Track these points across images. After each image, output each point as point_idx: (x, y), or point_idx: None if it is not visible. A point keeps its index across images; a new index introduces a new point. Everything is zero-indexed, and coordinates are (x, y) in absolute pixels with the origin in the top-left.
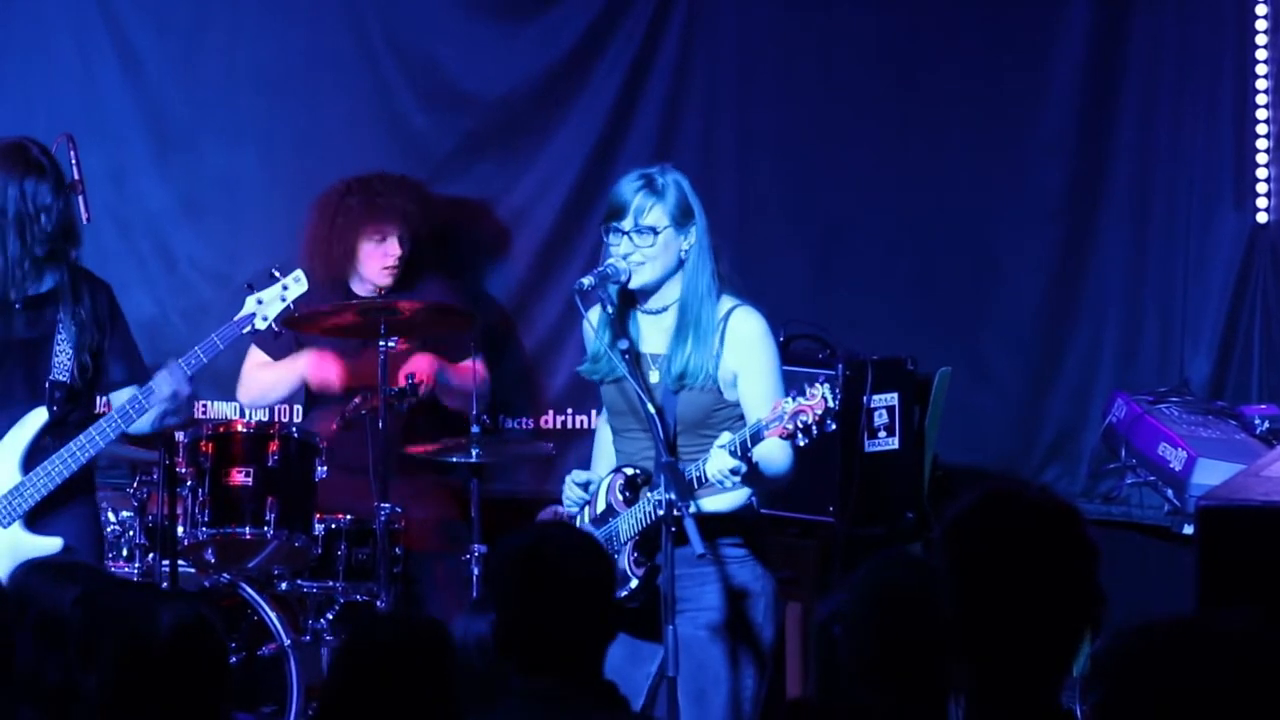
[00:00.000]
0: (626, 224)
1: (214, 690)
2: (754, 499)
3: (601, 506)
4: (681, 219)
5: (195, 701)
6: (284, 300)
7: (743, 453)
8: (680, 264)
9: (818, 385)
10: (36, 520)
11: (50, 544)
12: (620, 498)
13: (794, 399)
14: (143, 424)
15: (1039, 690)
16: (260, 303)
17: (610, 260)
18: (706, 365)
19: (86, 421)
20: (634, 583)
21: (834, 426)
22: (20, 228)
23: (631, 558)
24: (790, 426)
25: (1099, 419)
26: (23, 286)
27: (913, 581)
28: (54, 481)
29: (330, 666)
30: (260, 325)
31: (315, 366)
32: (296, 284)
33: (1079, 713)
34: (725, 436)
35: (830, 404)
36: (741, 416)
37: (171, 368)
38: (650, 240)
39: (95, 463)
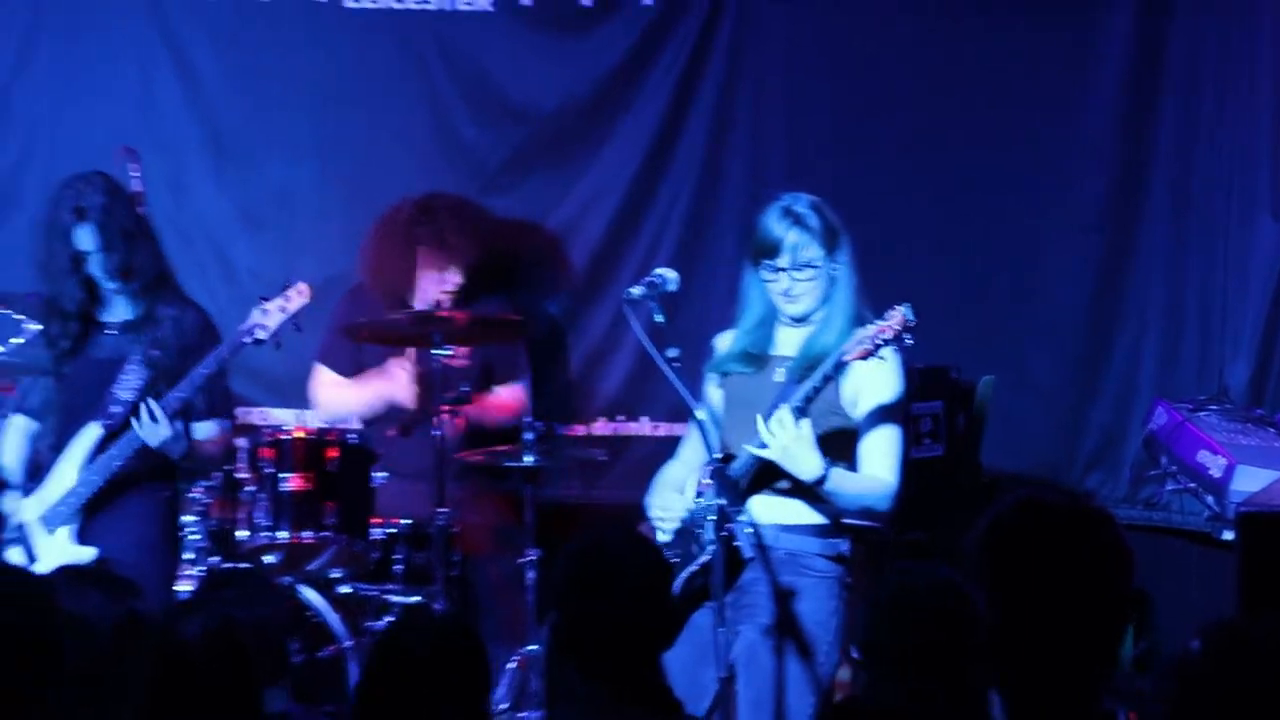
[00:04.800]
0: (783, 262)
1: (243, 695)
2: (840, 518)
3: (690, 494)
4: (830, 243)
5: (226, 706)
6: (284, 312)
7: (811, 398)
8: (831, 284)
9: (897, 307)
10: (101, 524)
11: (85, 553)
12: (706, 482)
13: (873, 322)
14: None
15: (1078, 691)
16: (265, 313)
17: (657, 270)
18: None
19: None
20: (706, 556)
21: (911, 341)
22: (63, 277)
23: (712, 530)
24: (869, 346)
25: (1140, 426)
26: (112, 310)
27: (928, 590)
28: (96, 484)
29: (364, 664)
30: (262, 335)
31: (388, 382)
32: (299, 296)
33: (1122, 715)
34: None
35: (909, 319)
36: (850, 435)
37: (148, 404)
38: (809, 274)
39: (174, 473)
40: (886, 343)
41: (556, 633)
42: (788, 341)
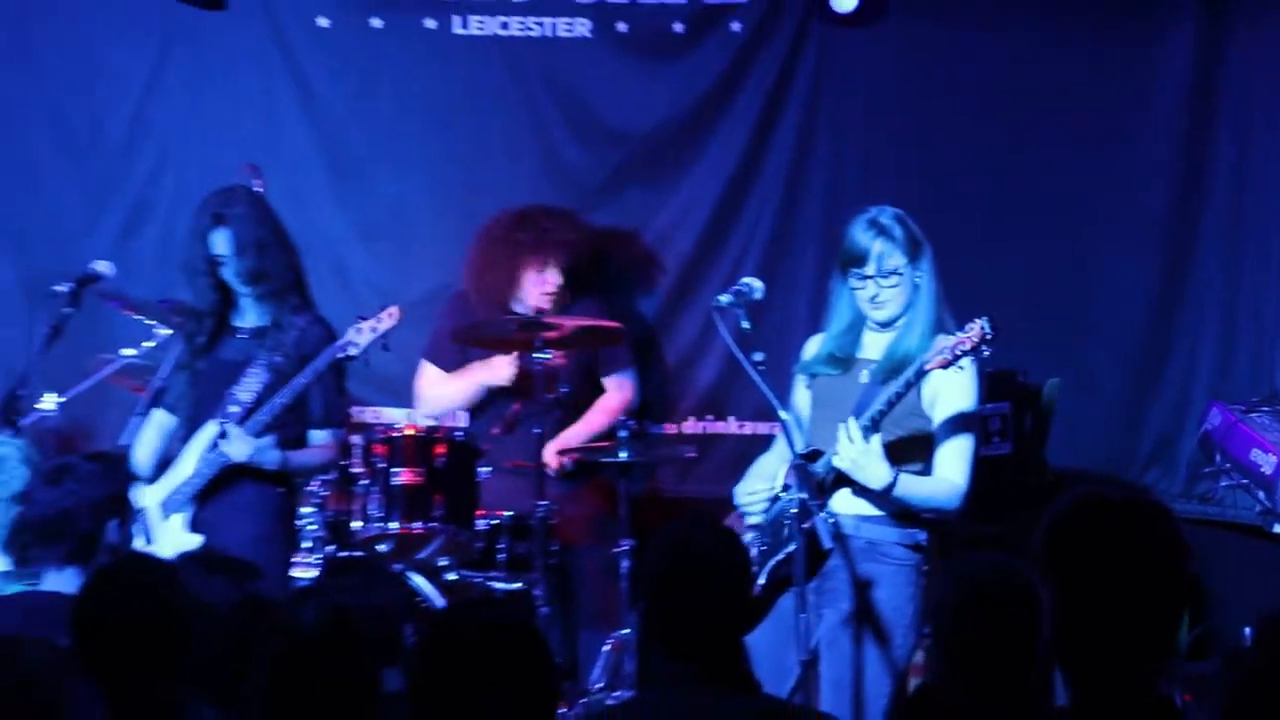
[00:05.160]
0: (869, 270)
1: (358, 679)
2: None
3: (779, 486)
4: (913, 252)
5: (344, 687)
6: (375, 332)
7: (866, 430)
8: (914, 291)
9: (976, 320)
10: (211, 516)
11: (194, 540)
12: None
13: (953, 332)
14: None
15: (1138, 676)
16: (358, 332)
17: (744, 279)
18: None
19: (287, 443)
20: (792, 546)
21: (988, 353)
22: (199, 276)
23: (798, 522)
24: (948, 356)
25: (1196, 427)
26: (244, 316)
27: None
28: (207, 476)
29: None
30: (353, 352)
31: (487, 367)
32: (389, 318)
33: (1179, 699)
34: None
35: (987, 333)
36: (929, 438)
37: (220, 423)
38: (894, 281)
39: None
40: (965, 354)
41: (645, 620)
42: (873, 345)
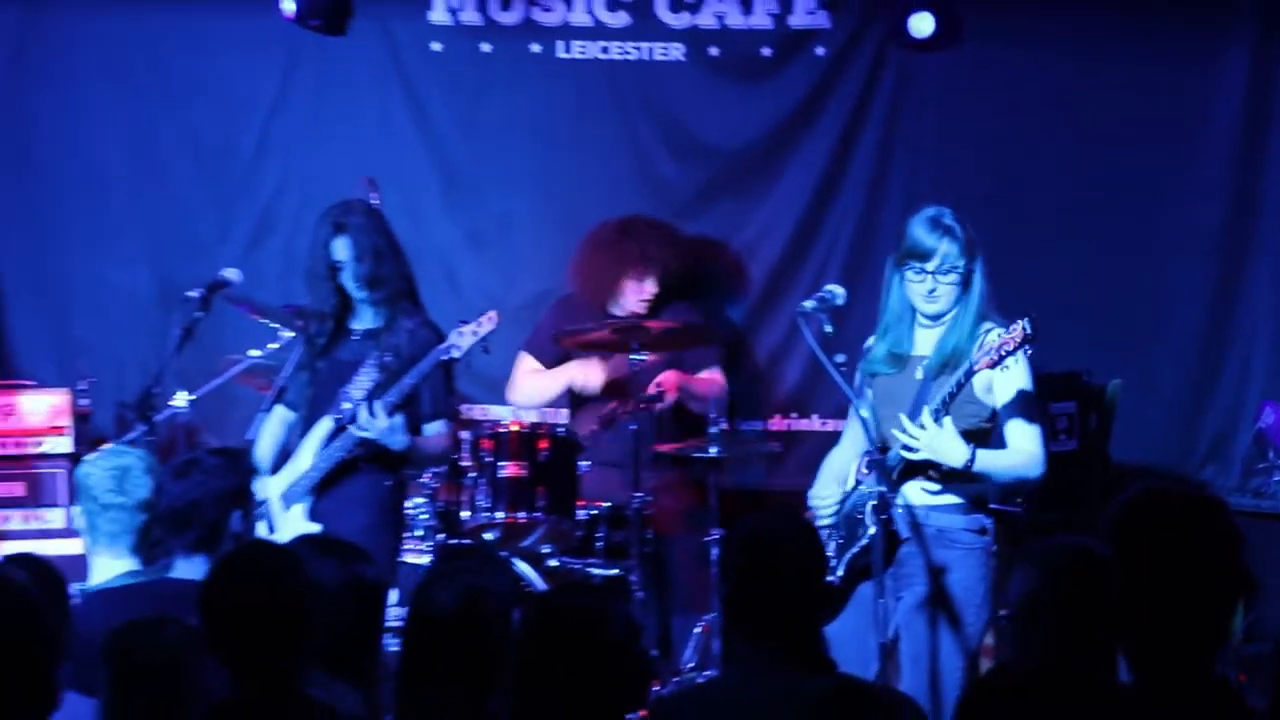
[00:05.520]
0: (931, 265)
1: (488, 653)
2: (988, 497)
3: (850, 483)
4: (970, 251)
5: (473, 662)
6: (476, 335)
7: (947, 402)
8: (966, 286)
9: (1019, 321)
10: (328, 506)
11: (314, 529)
12: (866, 471)
13: (999, 334)
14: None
15: (1196, 658)
16: (460, 335)
17: (828, 286)
18: (964, 358)
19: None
20: (871, 529)
21: (1031, 351)
22: (320, 280)
23: (871, 513)
24: (994, 356)
25: (1250, 425)
26: (359, 319)
27: (1073, 559)
28: (323, 469)
29: (520, 628)
30: (456, 354)
31: (579, 368)
32: (488, 322)
33: (1234, 677)
34: (926, 410)
35: (1029, 332)
36: (981, 418)
37: (368, 404)
38: (952, 279)
39: (396, 463)
40: (1010, 353)
41: (726, 607)
42: (924, 341)
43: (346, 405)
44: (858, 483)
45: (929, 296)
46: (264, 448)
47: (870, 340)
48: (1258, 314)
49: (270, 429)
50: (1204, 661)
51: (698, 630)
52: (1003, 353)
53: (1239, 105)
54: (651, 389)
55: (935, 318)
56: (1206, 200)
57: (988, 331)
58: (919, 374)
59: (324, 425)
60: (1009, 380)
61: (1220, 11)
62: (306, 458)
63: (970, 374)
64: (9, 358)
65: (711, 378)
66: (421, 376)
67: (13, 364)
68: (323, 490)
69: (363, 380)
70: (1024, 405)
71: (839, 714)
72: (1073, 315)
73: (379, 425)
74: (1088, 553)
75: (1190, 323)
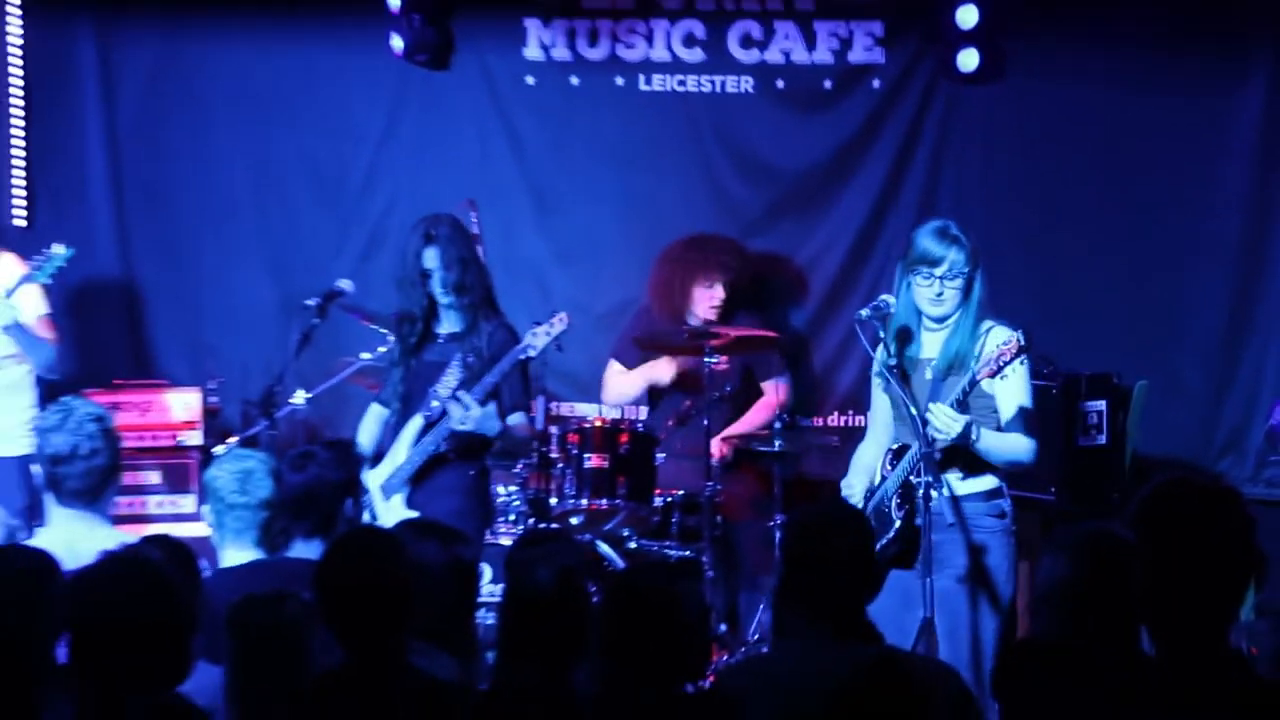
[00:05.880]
0: (939, 270)
1: (578, 627)
2: (1004, 485)
3: (878, 479)
4: (974, 260)
5: (569, 634)
6: (549, 335)
7: (960, 403)
8: (968, 292)
9: (1015, 332)
10: (422, 494)
11: (412, 515)
12: (889, 467)
13: (997, 346)
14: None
15: (1212, 632)
16: (534, 336)
17: (882, 296)
18: (967, 360)
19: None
20: (898, 523)
21: (1027, 361)
22: (414, 286)
23: (896, 505)
24: (995, 366)
25: (1263, 422)
26: (444, 323)
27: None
28: (417, 462)
29: (603, 602)
30: (532, 353)
31: (652, 367)
32: (560, 323)
33: (1246, 649)
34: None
35: (1024, 343)
36: (993, 410)
37: (457, 396)
38: (957, 283)
39: (479, 454)
40: (1008, 363)
41: (783, 588)
42: (930, 344)
43: (435, 403)
44: (883, 477)
45: (936, 300)
46: (364, 440)
47: (879, 349)
48: (1271, 321)
49: (368, 425)
50: (1219, 635)
51: (762, 607)
52: (1001, 363)
53: (1256, 130)
54: (715, 453)
55: (940, 320)
56: (1225, 217)
57: (988, 331)
58: (928, 375)
59: (416, 422)
60: (1009, 393)
61: (1238, 47)
62: (402, 452)
63: (974, 383)
64: (148, 361)
65: (764, 401)
66: (502, 375)
67: (151, 366)
68: (417, 481)
69: (448, 379)
70: (1023, 420)
71: (887, 680)
72: (1103, 321)
73: (473, 415)
74: (1111, 537)
75: (1209, 329)
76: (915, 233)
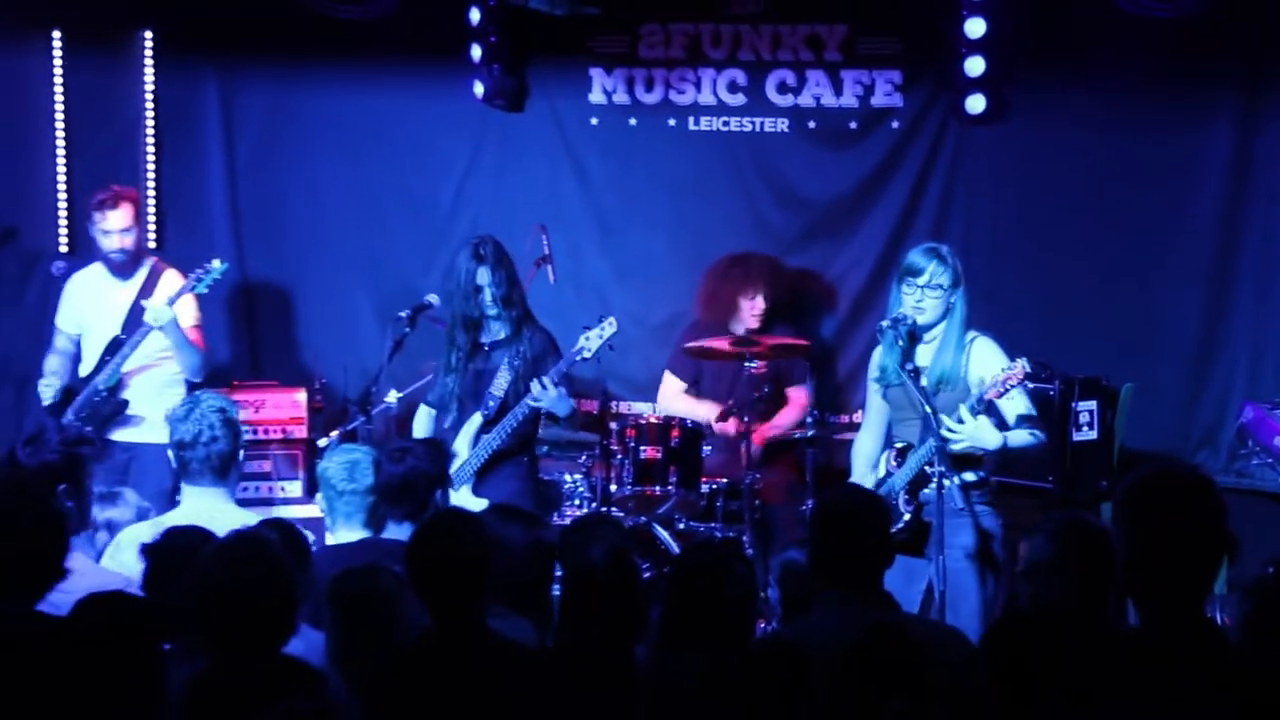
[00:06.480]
0: (921, 281)
1: (635, 602)
2: (989, 472)
3: (882, 472)
4: (955, 282)
5: (624, 610)
6: (601, 338)
7: (974, 410)
8: (947, 311)
9: (1019, 360)
10: (486, 483)
11: (481, 503)
12: (895, 464)
13: (1002, 370)
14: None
15: (1189, 604)
16: (587, 339)
17: (901, 307)
18: (954, 374)
19: (529, 421)
20: (906, 516)
21: (1030, 386)
22: (469, 298)
23: (905, 499)
24: (1001, 388)
25: (1234, 420)
26: (490, 332)
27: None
28: (483, 456)
29: (661, 576)
30: (586, 355)
31: (700, 406)
32: (610, 327)
33: (1220, 619)
34: (964, 407)
35: (1027, 369)
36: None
37: (540, 379)
38: (936, 294)
39: (530, 446)
40: (1013, 386)
41: (814, 562)
42: (922, 354)
43: (492, 402)
44: (888, 473)
45: (916, 307)
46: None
47: (876, 354)
48: (1240, 331)
49: (421, 423)
50: (1196, 606)
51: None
52: (1008, 385)
53: (1225, 166)
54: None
55: (923, 329)
56: (1199, 241)
57: (972, 341)
58: (923, 381)
59: (475, 420)
60: (1012, 406)
61: (1208, 94)
62: (463, 447)
63: (983, 401)
64: (261, 364)
65: (793, 403)
66: (569, 366)
67: (263, 368)
68: (481, 473)
69: (501, 381)
70: (1029, 421)
71: (905, 640)
72: (1095, 332)
73: (550, 395)
74: (1087, 525)
75: (1187, 339)
76: (908, 251)
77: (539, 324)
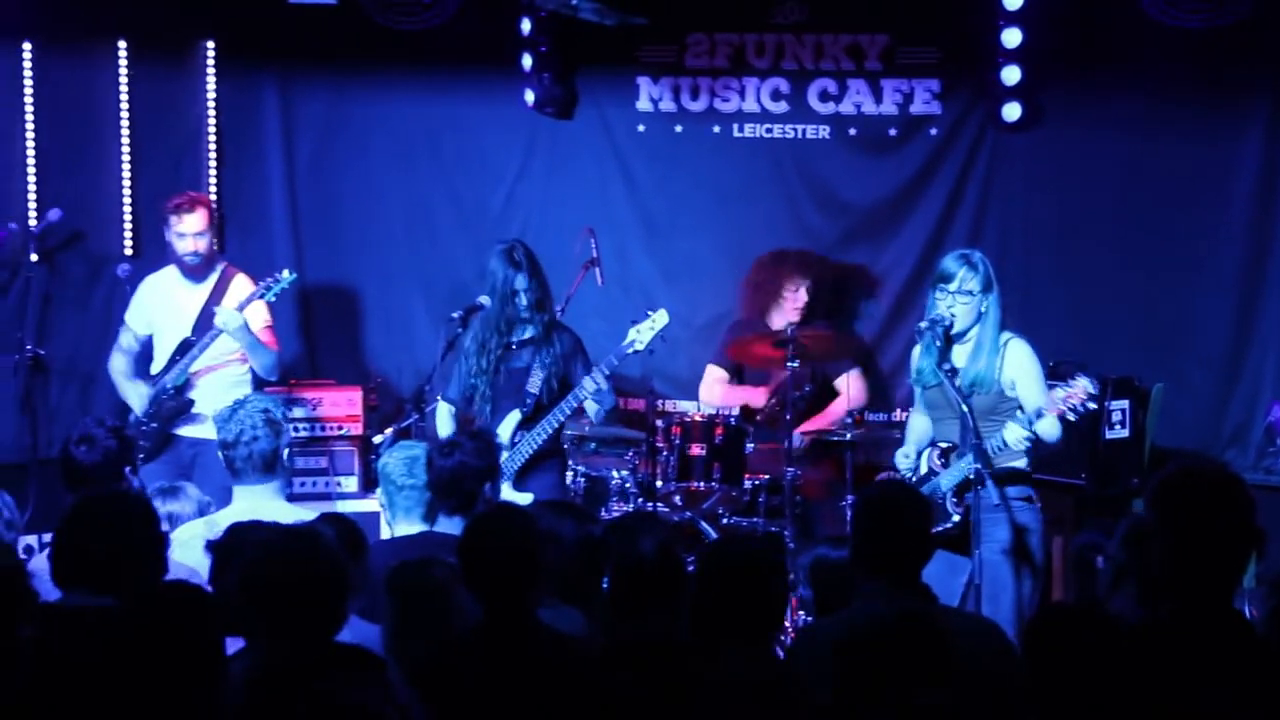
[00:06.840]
0: (952, 287)
1: (680, 593)
2: (1028, 467)
3: (924, 470)
4: (986, 287)
5: (670, 599)
6: (653, 330)
7: (1030, 425)
8: (980, 315)
9: (1080, 377)
10: (524, 480)
11: (525, 498)
12: (939, 464)
13: (1064, 388)
14: (591, 411)
15: (1218, 597)
16: (638, 332)
17: (937, 311)
18: (989, 377)
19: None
20: (955, 518)
21: (1094, 406)
22: (507, 302)
23: (953, 502)
24: (1062, 407)
25: (1262, 419)
26: (521, 334)
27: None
28: (526, 453)
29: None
30: (639, 347)
31: (749, 391)
32: (662, 318)
33: (1248, 612)
34: (1019, 416)
35: (1090, 390)
36: (1018, 408)
37: (593, 373)
38: (967, 300)
39: (560, 443)
40: (1074, 409)
41: (856, 555)
42: (958, 355)
43: (529, 399)
44: (931, 470)
45: (949, 312)
46: (442, 434)
47: (914, 354)
48: (1269, 334)
49: (444, 419)
50: (1225, 599)
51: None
52: (1069, 404)
53: (1255, 172)
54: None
55: (959, 333)
56: (1230, 245)
57: (1006, 343)
58: (959, 380)
59: (513, 416)
60: (1032, 398)
61: (1239, 100)
62: (504, 441)
63: (1040, 414)
64: (318, 363)
65: (840, 400)
66: (612, 369)
67: (321, 368)
68: (521, 470)
69: (535, 380)
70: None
71: (933, 628)
72: (1127, 333)
73: (603, 388)
74: (1136, 520)
75: (1217, 340)
76: (942, 258)
77: (565, 325)
